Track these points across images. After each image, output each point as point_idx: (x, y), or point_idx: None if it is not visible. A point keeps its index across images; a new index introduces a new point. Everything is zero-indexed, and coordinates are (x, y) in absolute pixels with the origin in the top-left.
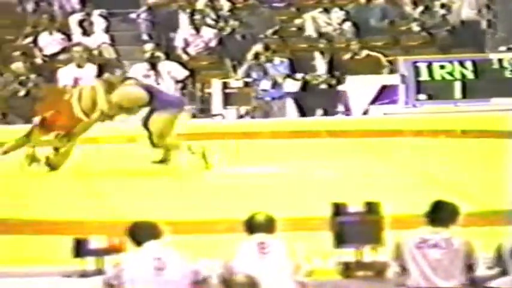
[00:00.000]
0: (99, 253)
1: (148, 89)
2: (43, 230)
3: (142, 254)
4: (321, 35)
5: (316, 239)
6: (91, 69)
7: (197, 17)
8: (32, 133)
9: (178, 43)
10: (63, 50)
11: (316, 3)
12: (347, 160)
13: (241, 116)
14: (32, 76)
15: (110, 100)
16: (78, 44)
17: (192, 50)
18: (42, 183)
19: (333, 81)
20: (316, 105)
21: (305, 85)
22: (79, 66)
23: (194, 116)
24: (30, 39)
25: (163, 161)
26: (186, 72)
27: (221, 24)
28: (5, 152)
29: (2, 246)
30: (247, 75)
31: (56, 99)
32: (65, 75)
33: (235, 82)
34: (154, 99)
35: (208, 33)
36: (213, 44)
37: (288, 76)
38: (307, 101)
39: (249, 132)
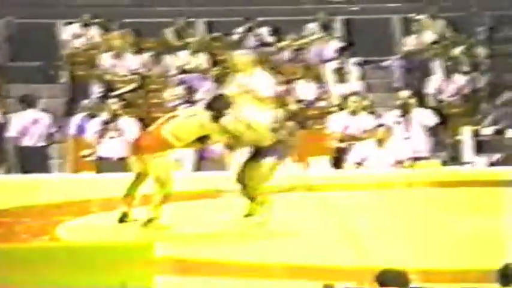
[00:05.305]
0: None
1: None
2: (293, 274)
3: None
4: None
5: None
6: (364, 118)
7: (451, 63)
8: None
9: (430, 90)
10: (318, 98)
11: None
12: None
13: (492, 164)
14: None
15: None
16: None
17: (444, 97)
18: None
19: None
20: None
21: None
22: (353, 113)
23: (445, 163)
24: (284, 87)
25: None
26: (436, 119)
27: (475, 71)
28: None
29: None
30: (495, 122)
31: None
32: (336, 121)
33: (487, 129)
34: None
35: (461, 80)
36: (466, 91)
37: None
38: None
39: (496, 181)
